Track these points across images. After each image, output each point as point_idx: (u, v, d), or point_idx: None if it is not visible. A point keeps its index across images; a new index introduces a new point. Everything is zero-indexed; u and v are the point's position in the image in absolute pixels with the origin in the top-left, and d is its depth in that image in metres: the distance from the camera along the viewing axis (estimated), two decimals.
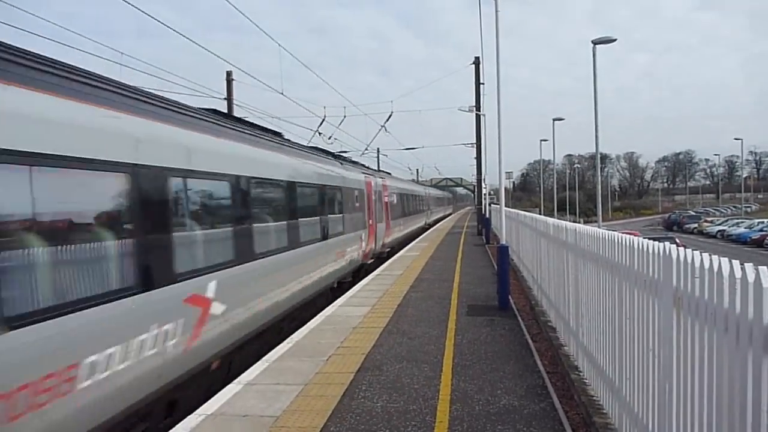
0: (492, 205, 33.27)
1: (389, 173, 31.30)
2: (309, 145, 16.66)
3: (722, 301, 2.86)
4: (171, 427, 5.49)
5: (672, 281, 3.56)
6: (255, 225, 8.51)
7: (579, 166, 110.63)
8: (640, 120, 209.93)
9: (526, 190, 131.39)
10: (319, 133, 27.09)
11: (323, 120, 26.88)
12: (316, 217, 12.13)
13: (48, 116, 4.49)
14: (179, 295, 6.13)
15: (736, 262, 2.82)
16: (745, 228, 46.71)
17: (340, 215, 14.40)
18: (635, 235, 4.78)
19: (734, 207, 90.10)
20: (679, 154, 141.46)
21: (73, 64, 5.35)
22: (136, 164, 5.52)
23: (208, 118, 7.87)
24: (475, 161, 34.33)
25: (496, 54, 11.70)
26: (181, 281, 6.18)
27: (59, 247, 4.53)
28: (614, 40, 21.06)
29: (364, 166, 22.09)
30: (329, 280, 13.12)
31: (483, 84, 29.63)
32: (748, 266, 2.67)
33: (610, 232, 5.33)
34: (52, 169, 4.45)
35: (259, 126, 10.77)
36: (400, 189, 29.01)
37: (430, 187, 64.22)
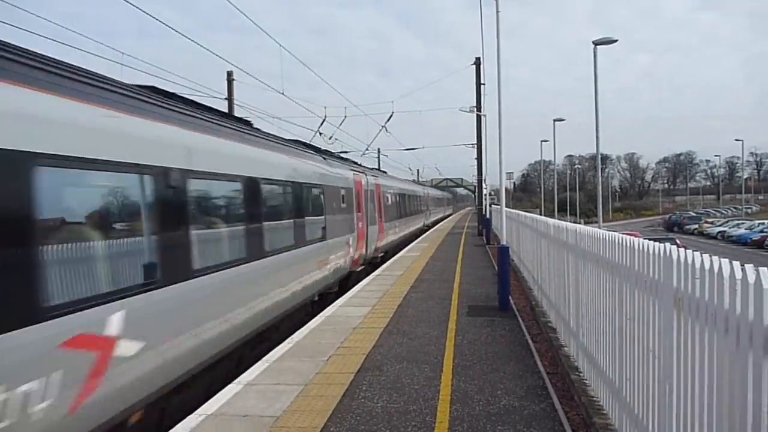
0: (492, 205, 33.27)
1: (384, 172, 29.83)
2: (305, 142, 14.84)
3: (723, 302, 2.86)
4: (171, 427, 5.49)
5: (672, 282, 3.56)
6: (192, 232, 6.57)
7: (579, 166, 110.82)
8: (641, 120, 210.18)
9: (526, 191, 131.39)
10: (320, 134, 27.10)
11: (324, 120, 26.90)
12: (288, 221, 10.21)
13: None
14: (50, 339, 4.26)
15: (736, 263, 2.82)
16: (746, 229, 46.66)
17: (322, 218, 12.53)
18: (636, 236, 4.78)
19: (735, 208, 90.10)
20: (679, 154, 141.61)
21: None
22: None
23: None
24: (475, 162, 34.38)
25: (497, 55, 11.71)
26: (52, 319, 4.27)
27: None
28: (615, 41, 21.06)
29: (354, 162, 20.61)
30: (307, 294, 11.13)
31: (484, 84, 29.65)
32: (749, 267, 2.67)
33: (610, 232, 5.33)
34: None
35: (214, 110, 8.87)
36: (395, 189, 27.23)
37: (428, 186, 62.76)
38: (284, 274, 9.72)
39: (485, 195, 34.75)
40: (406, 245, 27.36)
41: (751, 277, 2.61)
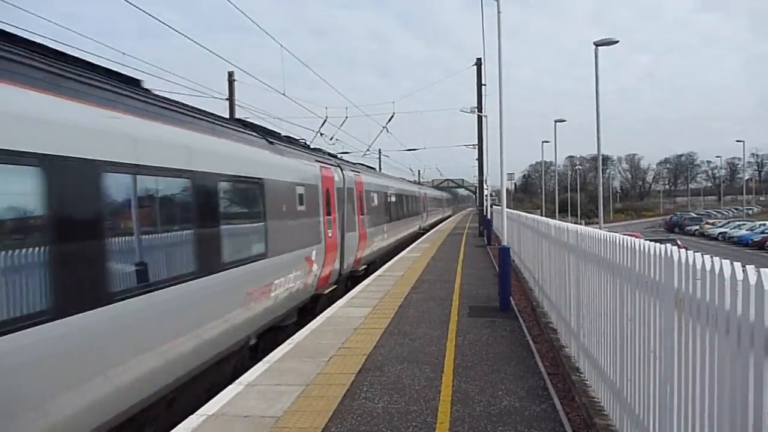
0: (493, 206, 33.28)
1: (372, 168, 25.60)
2: (244, 120, 10.93)
3: (723, 303, 2.86)
4: (172, 428, 5.50)
5: (673, 283, 3.56)
6: None
7: (580, 167, 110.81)
8: (642, 121, 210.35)
9: (527, 192, 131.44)
10: (321, 134, 27.08)
11: (325, 121, 26.89)
12: (177, 232, 6.44)
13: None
14: None
15: (737, 264, 2.82)
16: (747, 230, 46.63)
17: (258, 225, 8.70)
18: (636, 237, 4.78)
19: (736, 209, 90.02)
20: (680, 155, 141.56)
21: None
22: None
23: None
24: (476, 162, 34.39)
25: (498, 55, 11.72)
26: None
27: None
28: (616, 42, 21.05)
29: (328, 154, 16.32)
30: (225, 344, 7.46)
31: (485, 85, 29.71)
32: (750, 268, 2.67)
33: (611, 233, 5.33)
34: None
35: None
36: (384, 187, 23.19)
37: (426, 186, 59.31)
38: (169, 322, 6.07)
39: (486, 196, 34.79)
40: (398, 252, 23.83)
41: (752, 278, 2.62)
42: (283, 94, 21.10)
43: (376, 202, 20.29)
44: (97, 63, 6.21)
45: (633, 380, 4.48)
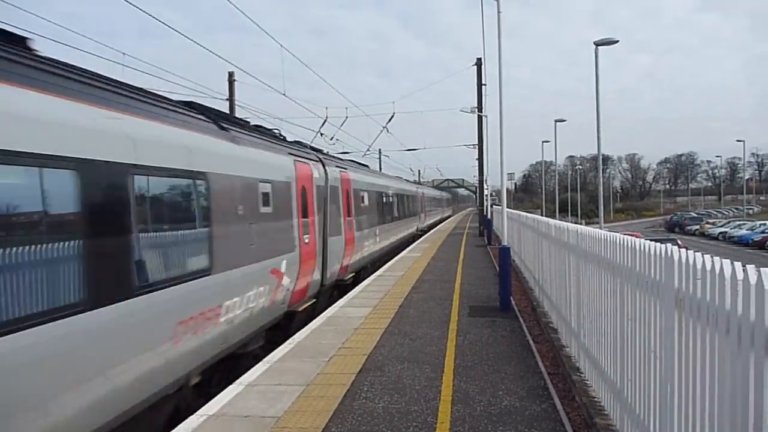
0: (493, 206, 33.28)
1: (364, 165, 23.33)
2: (193, 102, 8.55)
3: (724, 302, 2.86)
4: (172, 428, 5.50)
5: (674, 283, 3.56)
6: None
7: (581, 167, 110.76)
8: (642, 121, 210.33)
9: (527, 192, 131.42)
10: (321, 134, 27.09)
11: (325, 121, 26.90)
12: (46, 246, 4.45)
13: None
14: None
15: (737, 264, 2.82)
16: (747, 230, 46.63)
17: (198, 232, 6.83)
18: (637, 237, 4.78)
19: (736, 209, 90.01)
20: (681, 155, 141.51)
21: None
22: None
23: None
24: (476, 162, 34.41)
25: (498, 55, 11.72)
26: None
27: None
28: (616, 41, 21.04)
29: (310, 148, 14.35)
30: (139, 397, 5.57)
31: (485, 85, 29.72)
32: (750, 268, 2.67)
33: (611, 233, 5.33)
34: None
35: None
36: (377, 186, 21.28)
37: (426, 186, 57.46)
38: (42, 377, 4.29)
39: (486, 195, 34.80)
40: (393, 257, 22.15)
41: (753, 278, 2.62)
42: (284, 95, 21.10)
43: (366, 202, 18.50)
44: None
45: (633, 380, 4.48)
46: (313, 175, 12.02)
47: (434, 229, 42.64)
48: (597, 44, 21.38)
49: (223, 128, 8.21)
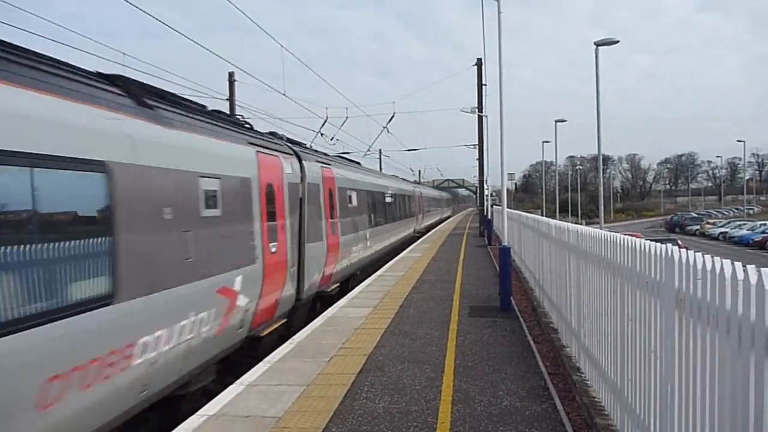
0: (494, 206, 33.30)
1: (356, 162, 21.55)
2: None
3: (724, 302, 2.86)
4: (173, 428, 5.50)
5: (674, 283, 3.57)
6: None
7: (581, 167, 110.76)
8: (642, 121, 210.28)
9: (528, 192, 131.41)
10: (322, 134, 27.09)
11: (325, 121, 26.91)
12: None
13: None
14: None
15: (738, 264, 2.82)
16: (748, 230, 46.60)
17: (90, 243, 4.95)
18: (637, 237, 4.78)
19: (736, 209, 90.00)
20: (681, 155, 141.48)
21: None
22: None
23: None
24: (477, 162, 34.43)
25: (498, 55, 11.72)
26: None
27: None
28: (617, 41, 21.05)
29: (287, 140, 12.29)
30: None
31: (485, 85, 29.72)
32: (751, 268, 2.68)
33: (612, 233, 5.33)
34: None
35: None
36: (367, 184, 19.14)
37: (425, 185, 55.19)
38: None
39: (487, 196, 34.82)
40: (388, 261, 20.56)
41: (753, 278, 2.62)
42: (284, 95, 21.11)
43: (355, 202, 16.64)
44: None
45: (634, 380, 4.48)
46: (283, 171, 10.10)
47: (434, 230, 42.62)
48: (597, 44, 21.38)
49: (145, 105, 6.30)
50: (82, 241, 4.89)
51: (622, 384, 4.80)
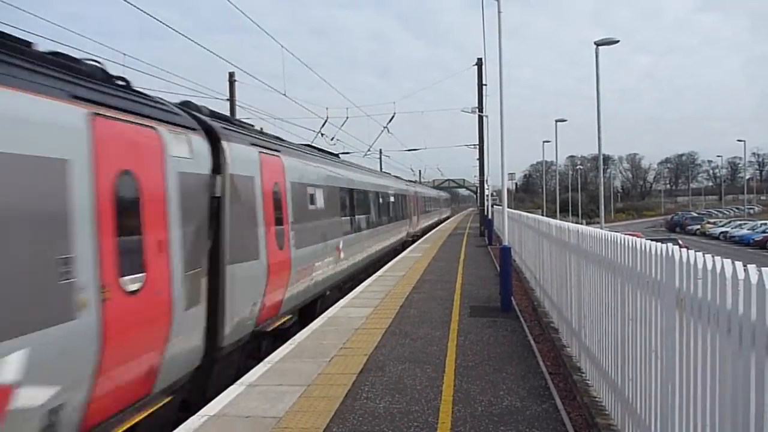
0: (494, 206, 33.31)
1: (335, 155, 18.32)
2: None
3: (725, 302, 2.86)
4: (173, 428, 5.51)
5: (674, 282, 3.57)
6: None
7: (581, 167, 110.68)
8: (643, 121, 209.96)
9: (528, 192, 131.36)
10: (322, 134, 27.08)
11: (326, 121, 26.91)
12: None
13: None
14: None
15: (738, 264, 2.82)
16: (748, 230, 46.56)
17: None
18: (638, 237, 4.78)
19: (737, 209, 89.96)
20: (681, 155, 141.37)
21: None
22: None
23: None
24: (477, 162, 34.44)
25: (499, 55, 11.72)
26: None
27: None
28: (617, 41, 21.03)
29: (190, 107, 8.08)
30: None
31: (485, 85, 29.73)
32: (751, 268, 2.68)
33: (612, 233, 5.33)
34: None
35: None
36: (340, 180, 15.07)
37: (418, 184, 48.73)
38: None
39: (487, 195, 34.82)
40: (373, 272, 17.71)
41: (754, 278, 2.62)
42: (284, 95, 21.10)
43: (321, 203, 12.71)
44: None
45: (634, 380, 4.48)
46: (167, 155, 6.10)
47: (434, 230, 42.60)
48: (597, 44, 21.37)
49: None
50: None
51: (622, 384, 4.80)
